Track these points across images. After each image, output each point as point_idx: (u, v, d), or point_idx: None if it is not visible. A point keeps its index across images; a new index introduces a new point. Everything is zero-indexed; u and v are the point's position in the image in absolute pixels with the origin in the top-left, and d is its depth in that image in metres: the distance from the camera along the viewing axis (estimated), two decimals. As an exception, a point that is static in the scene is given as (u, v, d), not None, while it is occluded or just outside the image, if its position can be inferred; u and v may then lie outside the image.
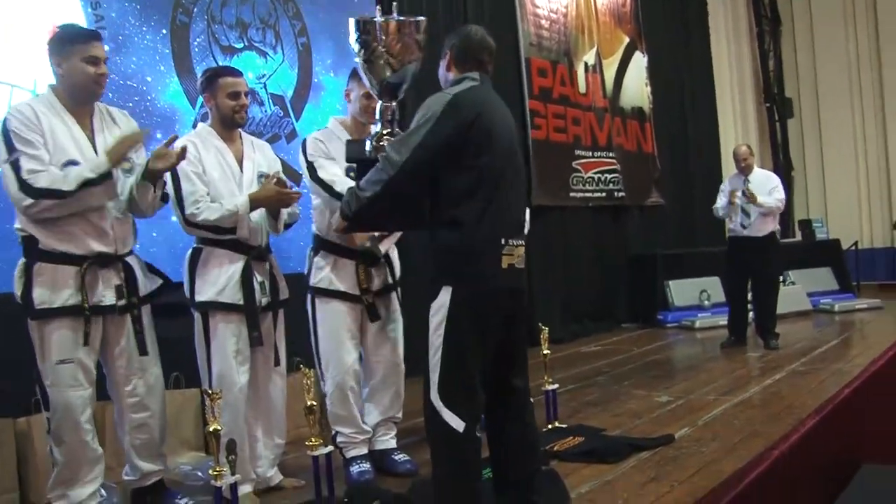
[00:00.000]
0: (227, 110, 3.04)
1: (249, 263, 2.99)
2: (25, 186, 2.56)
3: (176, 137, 2.79)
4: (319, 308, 3.28)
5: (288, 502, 2.97)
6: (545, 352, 3.95)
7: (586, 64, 7.98)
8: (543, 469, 3.14)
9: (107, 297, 2.76)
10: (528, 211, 3.75)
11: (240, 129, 3.16)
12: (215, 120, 3.10)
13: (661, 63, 9.20)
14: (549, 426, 3.84)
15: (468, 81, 2.49)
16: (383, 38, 2.60)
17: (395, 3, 2.69)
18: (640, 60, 8.84)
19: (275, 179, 2.99)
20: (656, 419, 4.00)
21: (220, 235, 2.95)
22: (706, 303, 7.72)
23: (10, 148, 2.60)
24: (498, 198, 2.41)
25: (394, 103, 2.70)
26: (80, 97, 2.76)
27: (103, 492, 3.01)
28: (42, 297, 2.65)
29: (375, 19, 2.62)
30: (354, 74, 3.23)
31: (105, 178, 2.65)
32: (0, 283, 3.37)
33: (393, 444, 3.47)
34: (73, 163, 2.66)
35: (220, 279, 2.95)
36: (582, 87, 7.88)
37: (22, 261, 2.71)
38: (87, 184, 2.60)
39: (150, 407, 2.88)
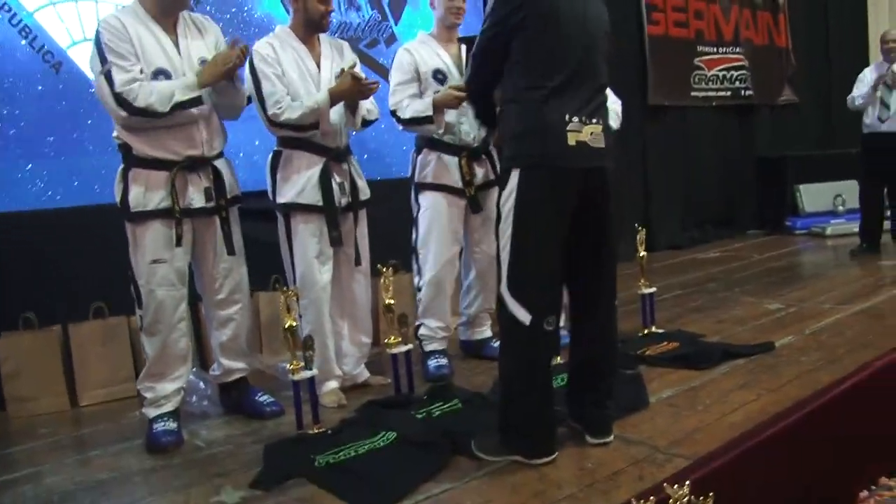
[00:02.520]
0: (316, 14, 3.03)
1: (328, 165, 3.01)
2: (122, 101, 2.63)
3: (238, 41, 2.79)
4: (423, 202, 3.38)
5: (371, 398, 3.04)
6: (641, 254, 3.78)
7: (711, -49, 7.37)
8: (628, 373, 3.08)
9: (196, 199, 2.84)
10: (619, 103, 3.58)
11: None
12: (298, 23, 3.08)
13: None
14: (646, 331, 3.74)
15: None
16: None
17: None
18: (774, -57, 8.06)
19: (351, 72, 2.96)
20: (761, 327, 3.80)
21: (304, 133, 2.97)
22: (840, 208, 7.17)
23: (103, 59, 2.67)
24: (561, 78, 2.30)
25: None
26: (167, 6, 2.79)
27: (202, 384, 3.21)
28: (137, 200, 2.76)
29: None
30: None
31: (195, 102, 2.73)
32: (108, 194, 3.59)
33: (489, 333, 3.63)
34: (162, 71, 2.72)
35: (299, 181, 2.99)
36: (706, -23, 7.30)
37: (120, 167, 2.82)
38: (179, 106, 2.69)
39: (235, 304, 2.98)
